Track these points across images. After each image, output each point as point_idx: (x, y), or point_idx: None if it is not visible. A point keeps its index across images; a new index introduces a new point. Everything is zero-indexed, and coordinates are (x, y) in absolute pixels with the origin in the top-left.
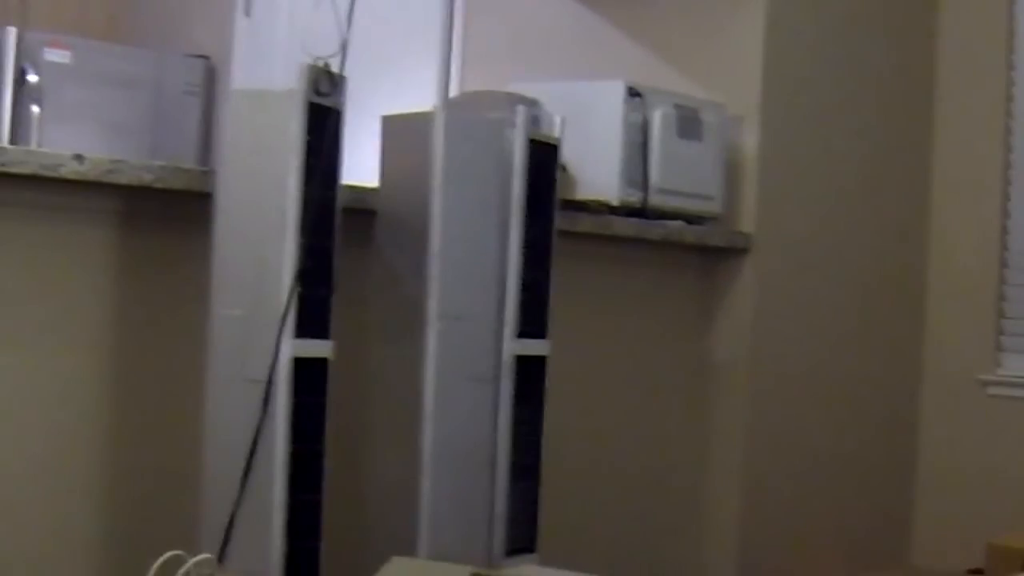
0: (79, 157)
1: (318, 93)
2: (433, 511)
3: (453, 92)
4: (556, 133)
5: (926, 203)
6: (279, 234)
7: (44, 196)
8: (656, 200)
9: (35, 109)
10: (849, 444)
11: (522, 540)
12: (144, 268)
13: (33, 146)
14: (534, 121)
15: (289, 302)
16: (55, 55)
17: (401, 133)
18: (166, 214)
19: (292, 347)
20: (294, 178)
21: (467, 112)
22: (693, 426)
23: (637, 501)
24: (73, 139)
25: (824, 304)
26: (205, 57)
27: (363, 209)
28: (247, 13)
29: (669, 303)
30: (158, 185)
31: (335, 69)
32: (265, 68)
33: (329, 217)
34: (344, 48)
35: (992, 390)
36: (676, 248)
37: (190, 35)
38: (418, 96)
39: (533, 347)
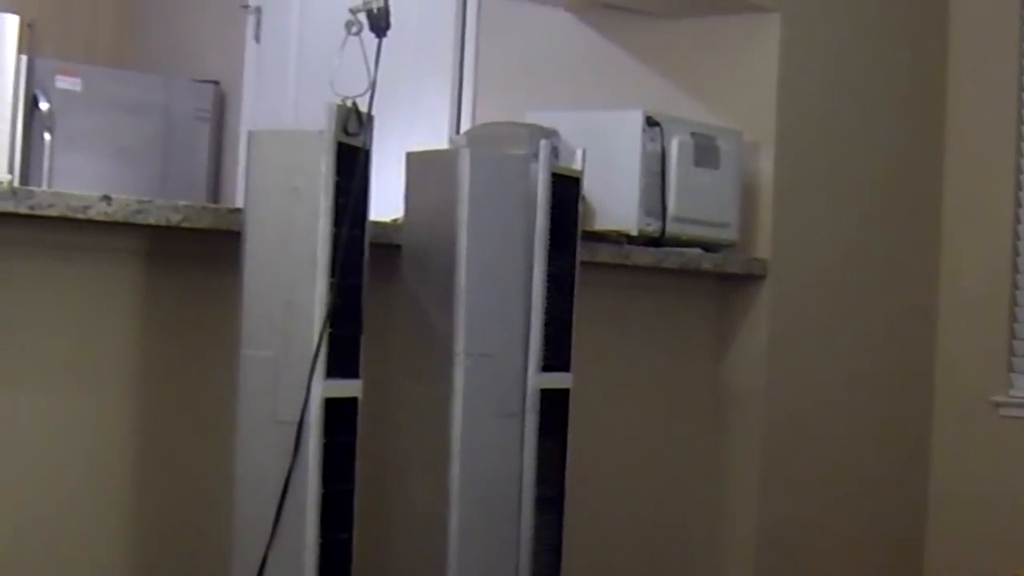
0: (107, 198)
1: (347, 133)
2: (461, 546)
3: (466, 121)
4: (577, 165)
5: (938, 226)
6: (309, 275)
7: (72, 236)
8: (674, 229)
9: (47, 136)
10: (863, 468)
11: (547, 572)
12: (171, 307)
13: (45, 174)
14: (555, 153)
15: (320, 342)
16: (66, 83)
17: (426, 169)
18: (193, 253)
19: (323, 388)
20: (324, 219)
21: (488, 145)
22: (709, 452)
23: (655, 527)
24: (84, 166)
25: (839, 328)
26: (214, 82)
27: (386, 244)
28: (257, 39)
29: (686, 330)
30: (185, 224)
31: (362, 107)
32: (275, 93)
33: (358, 256)
34: (373, 87)
35: (1004, 411)
36: (693, 276)
37: (198, 61)
38: (431, 125)
39: (557, 380)
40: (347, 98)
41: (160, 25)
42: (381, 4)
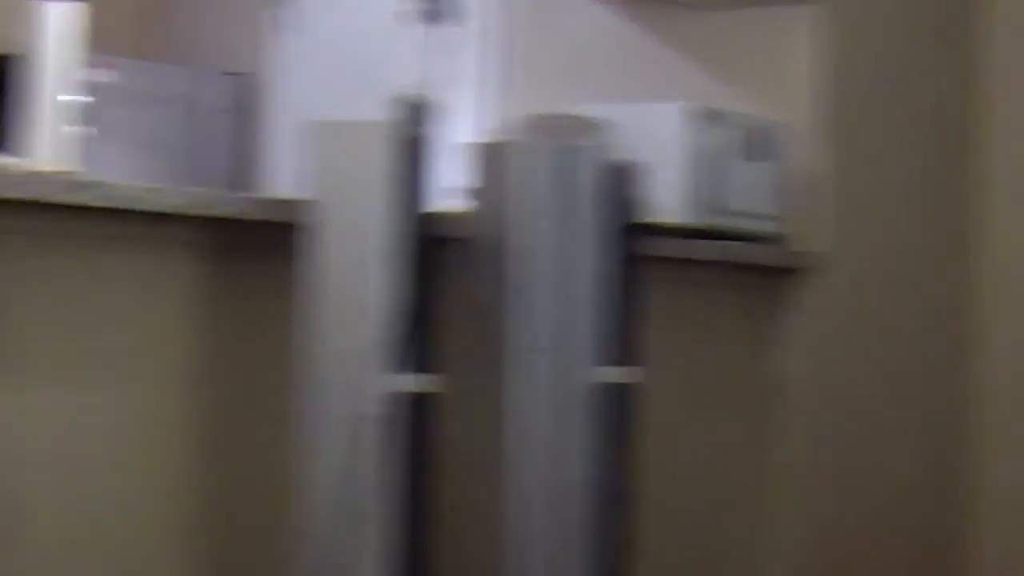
0: (158, 189)
1: (409, 124)
2: (523, 545)
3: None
4: (631, 157)
5: (979, 219)
6: (378, 267)
7: (127, 228)
8: (720, 221)
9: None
10: (905, 462)
11: (616, 570)
12: (228, 301)
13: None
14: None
15: (391, 336)
16: (98, 75)
17: (489, 160)
18: (249, 245)
19: (394, 383)
20: (389, 211)
21: (544, 136)
22: (755, 444)
23: (702, 519)
24: (115, 159)
25: (884, 321)
26: (242, 74)
27: (447, 237)
28: (287, 30)
29: (731, 324)
30: (242, 216)
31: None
32: (307, 85)
33: (427, 248)
34: (432, 78)
35: None
36: (738, 269)
37: (227, 52)
38: (466, 117)
39: (618, 375)
40: (409, 89)
41: (187, 16)
42: None
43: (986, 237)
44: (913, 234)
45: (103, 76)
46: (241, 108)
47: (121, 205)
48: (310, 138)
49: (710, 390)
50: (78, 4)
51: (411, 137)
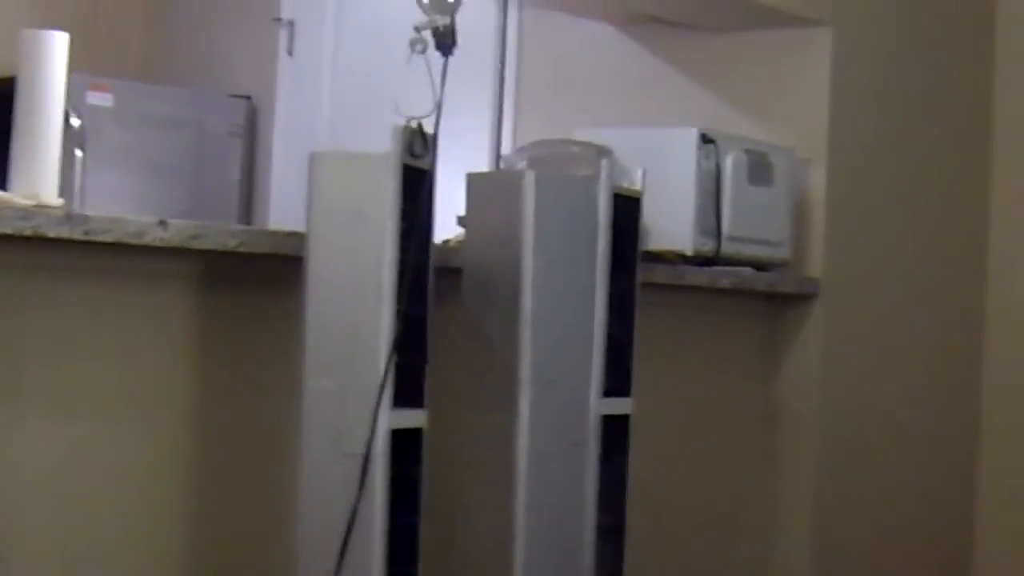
0: (163, 223)
1: (412, 155)
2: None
3: (507, 138)
4: (636, 185)
5: (985, 239)
6: (375, 301)
7: (126, 262)
8: (728, 248)
9: (78, 153)
10: (913, 486)
11: None
12: (227, 334)
13: (76, 192)
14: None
15: (387, 372)
16: (96, 98)
17: (488, 190)
18: (249, 278)
19: (390, 418)
20: (390, 244)
21: (545, 165)
22: (762, 473)
23: (707, 549)
24: (114, 183)
25: (890, 347)
26: (246, 97)
27: (445, 268)
28: (290, 53)
29: (737, 351)
30: (242, 250)
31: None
32: (309, 109)
33: (424, 282)
34: (439, 108)
35: None
36: (745, 295)
37: (229, 75)
38: (469, 143)
39: (618, 406)
40: (412, 119)
41: (190, 39)
42: (447, 22)
43: (996, 263)
44: (921, 260)
45: (103, 100)
46: (247, 132)
47: (108, 239)
48: (310, 169)
49: (716, 418)
50: (58, 33)
51: (413, 168)
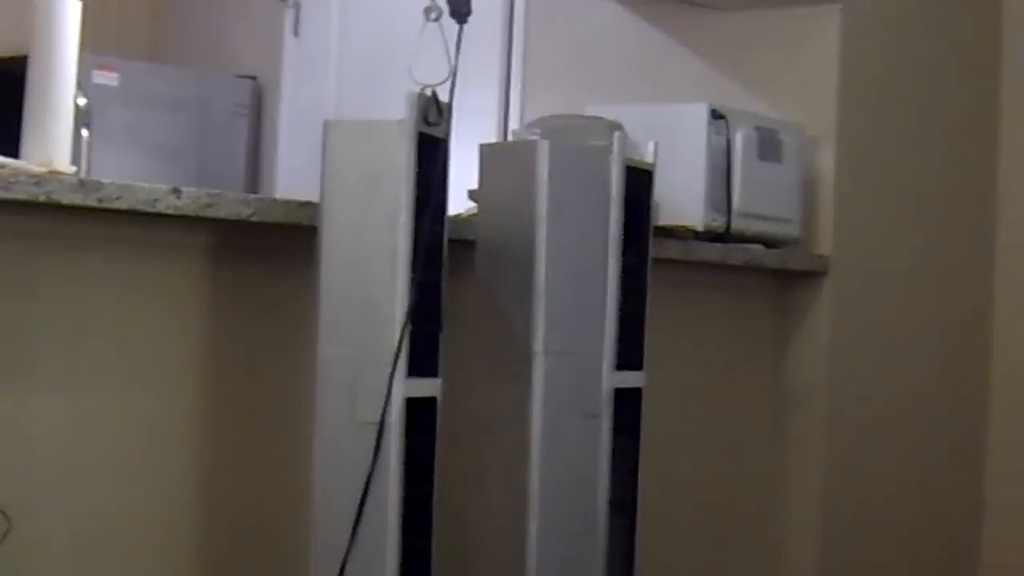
0: (176, 191)
1: (427, 122)
2: (540, 550)
3: (514, 115)
4: (648, 158)
5: (993, 220)
6: (390, 270)
7: (140, 232)
8: (738, 224)
9: (84, 132)
10: (922, 465)
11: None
12: (240, 304)
13: (83, 170)
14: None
15: (401, 340)
16: (103, 77)
17: (501, 161)
18: (262, 248)
19: (404, 387)
20: (405, 212)
21: (560, 137)
22: (771, 450)
23: (717, 525)
24: (120, 162)
25: (899, 324)
26: (252, 77)
27: (459, 239)
28: (296, 33)
29: (747, 327)
30: (256, 219)
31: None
32: (315, 88)
33: (439, 251)
34: (454, 76)
35: None
36: (755, 272)
37: (235, 55)
38: (477, 118)
39: (630, 379)
40: (426, 87)
41: (196, 18)
42: None
43: (1005, 241)
44: (931, 238)
45: (109, 80)
46: (253, 112)
47: (122, 206)
48: (323, 137)
49: (724, 394)
50: (73, 2)
51: (428, 136)
